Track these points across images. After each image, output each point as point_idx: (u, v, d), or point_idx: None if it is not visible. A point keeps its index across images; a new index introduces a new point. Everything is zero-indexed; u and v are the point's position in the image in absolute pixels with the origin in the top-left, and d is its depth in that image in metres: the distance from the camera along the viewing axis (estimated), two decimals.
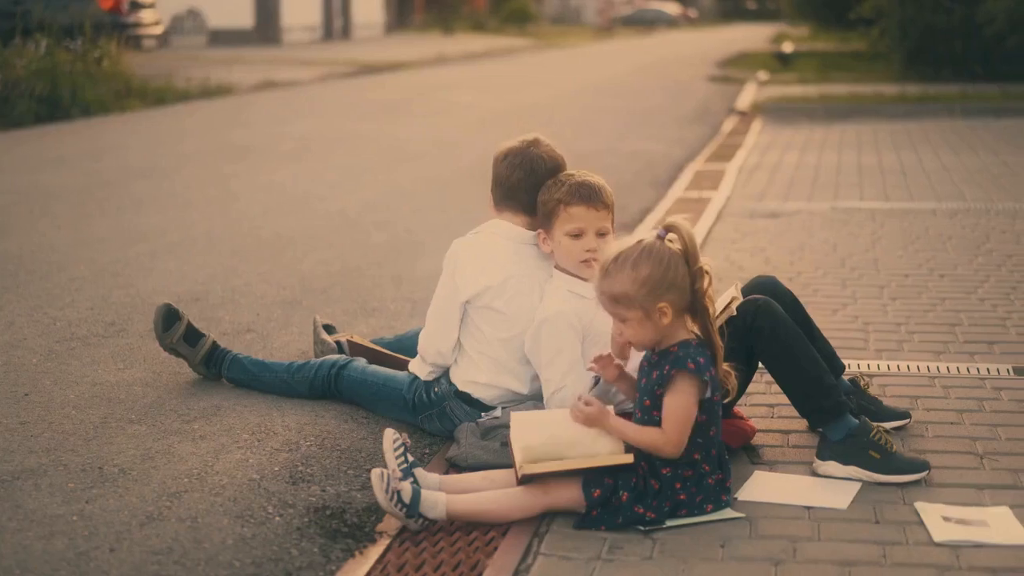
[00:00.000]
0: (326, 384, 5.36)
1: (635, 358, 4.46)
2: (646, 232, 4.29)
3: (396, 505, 4.10)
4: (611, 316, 4.27)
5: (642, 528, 4.07)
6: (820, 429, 4.59)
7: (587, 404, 4.16)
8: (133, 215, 9.98)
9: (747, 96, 22.01)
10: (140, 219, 9.80)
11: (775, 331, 4.58)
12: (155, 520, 4.11)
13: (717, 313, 4.41)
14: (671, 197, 11.00)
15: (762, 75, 27.38)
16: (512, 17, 61.55)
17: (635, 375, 4.41)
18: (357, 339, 5.74)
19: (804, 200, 10.71)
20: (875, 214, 9.88)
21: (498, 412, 4.88)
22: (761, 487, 4.43)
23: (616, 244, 4.26)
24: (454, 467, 4.68)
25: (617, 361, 4.40)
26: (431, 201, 10.98)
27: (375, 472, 4.13)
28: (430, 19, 57.40)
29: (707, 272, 4.23)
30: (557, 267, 4.89)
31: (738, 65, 33.30)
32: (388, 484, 4.10)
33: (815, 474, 4.53)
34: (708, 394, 4.18)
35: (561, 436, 4.19)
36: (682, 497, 4.14)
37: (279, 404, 5.31)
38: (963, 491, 4.35)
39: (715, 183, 11.72)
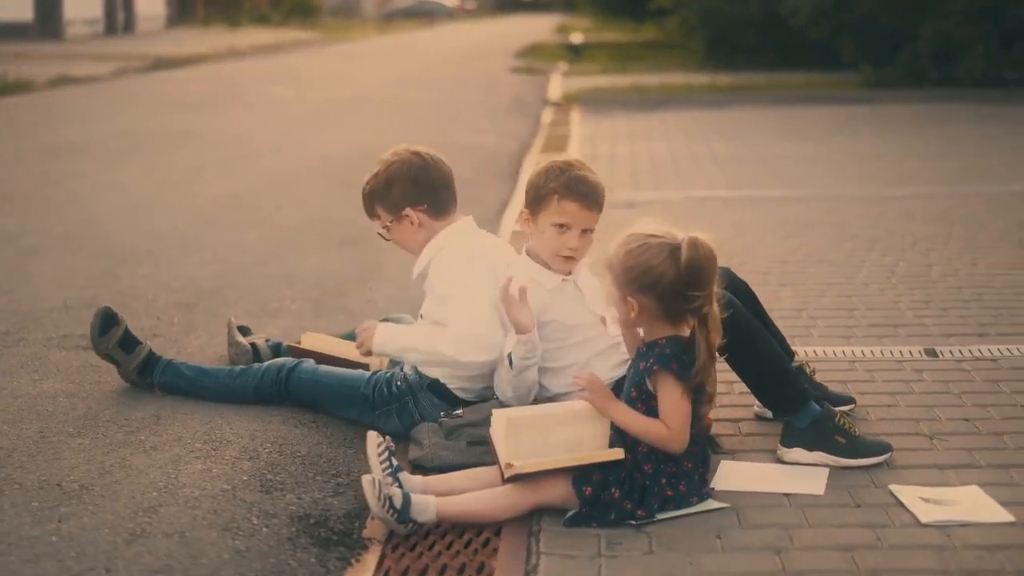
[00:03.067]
0: (275, 387, 5.22)
1: None
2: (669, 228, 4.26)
3: (388, 511, 4.01)
4: None
5: (633, 523, 4.06)
6: (784, 418, 4.63)
7: (587, 387, 4.15)
8: None
9: (556, 87, 22.22)
10: None
11: (737, 324, 4.58)
12: (141, 537, 3.94)
13: None
14: (522, 191, 10.96)
15: (564, 66, 27.66)
16: (295, 10, 60.84)
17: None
18: (305, 344, 5.58)
19: (653, 190, 10.83)
20: (728, 202, 10.05)
21: (460, 411, 4.82)
22: (733, 476, 4.46)
23: (649, 223, 4.25)
24: (418, 468, 4.61)
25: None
26: (288, 197, 10.81)
27: (366, 479, 4.04)
28: (212, 12, 56.38)
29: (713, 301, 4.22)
30: (527, 250, 4.84)
31: (534, 56, 33.60)
32: (380, 491, 4.01)
33: (781, 461, 4.58)
34: (691, 393, 4.19)
35: (550, 437, 4.17)
36: (669, 494, 4.15)
37: (220, 410, 5.15)
38: (927, 472, 4.44)
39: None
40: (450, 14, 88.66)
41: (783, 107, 18.07)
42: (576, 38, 35.36)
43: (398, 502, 4.03)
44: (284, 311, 6.81)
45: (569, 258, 4.73)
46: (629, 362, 4.47)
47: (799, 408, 4.58)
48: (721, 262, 7.71)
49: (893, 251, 8.06)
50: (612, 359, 4.78)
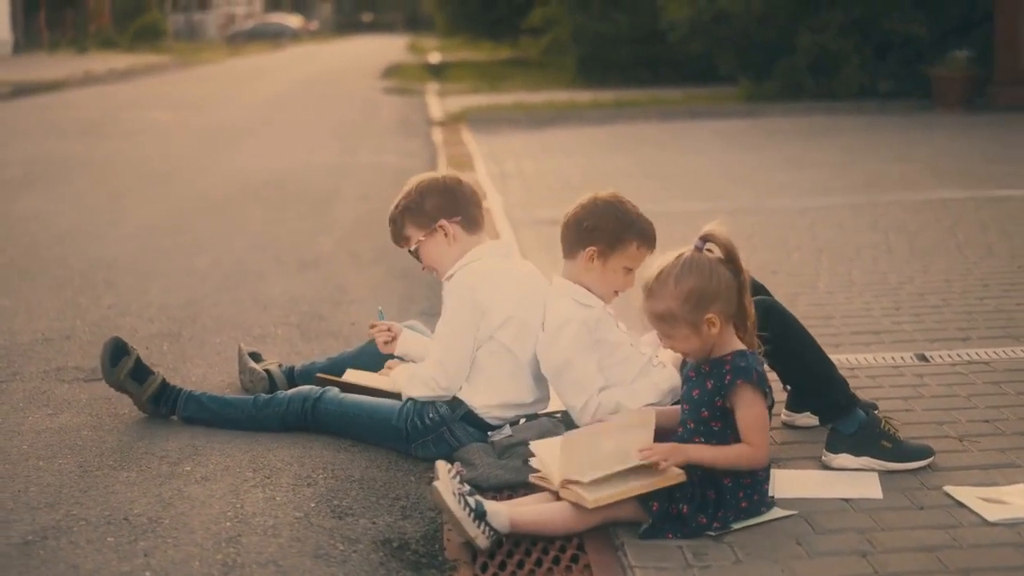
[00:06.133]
0: (301, 418, 5.15)
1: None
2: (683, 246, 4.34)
3: (465, 509, 4.01)
4: (657, 332, 4.30)
5: (712, 534, 4.11)
6: (831, 424, 4.72)
7: (659, 457, 4.16)
8: None
9: (435, 106, 22.25)
10: None
11: (787, 331, 4.72)
12: (235, 568, 3.89)
13: None
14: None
15: (436, 86, 27.71)
16: (141, 34, 59.92)
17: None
18: (349, 377, 5.52)
19: None
20: (656, 216, 9.89)
21: (508, 430, 4.83)
22: (788, 484, 4.51)
23: (656, 261, 4.30)
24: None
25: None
26: (222, 222, 10.68)
27: (436, 485, 4.04)
28: (57, 37, 55.31)
29: (747, 280, 4.34)
30: (565, 276, 4.91)
31: (400, 76, 33.62)
32: (454, 489, 4.03)
33: (827, 467, 4.67)
34: (769, 403, 4.27)
35: (600, 448, 4.20)
36: (744, 505, 4.20)
37: (256, 438, 5.09)
38: (971, 472, 4.56)
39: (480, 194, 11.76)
40: (295, 35, 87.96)
41: (670, 122, 18.32)
42: (434, 58, 35.46)
43: (472, 502, 4.04)
44: (271, 337, 6.73)
45: (619, 293, 4.96)
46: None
47: (847, 414, 4.67)
48: None
49: (841, 260, 8.23)
50: (653, 376, 4.89)
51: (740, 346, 4.28)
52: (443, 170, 5.31)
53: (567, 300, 4.84)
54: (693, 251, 4.28)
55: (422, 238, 5.13)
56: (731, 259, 4.31)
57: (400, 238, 5.23)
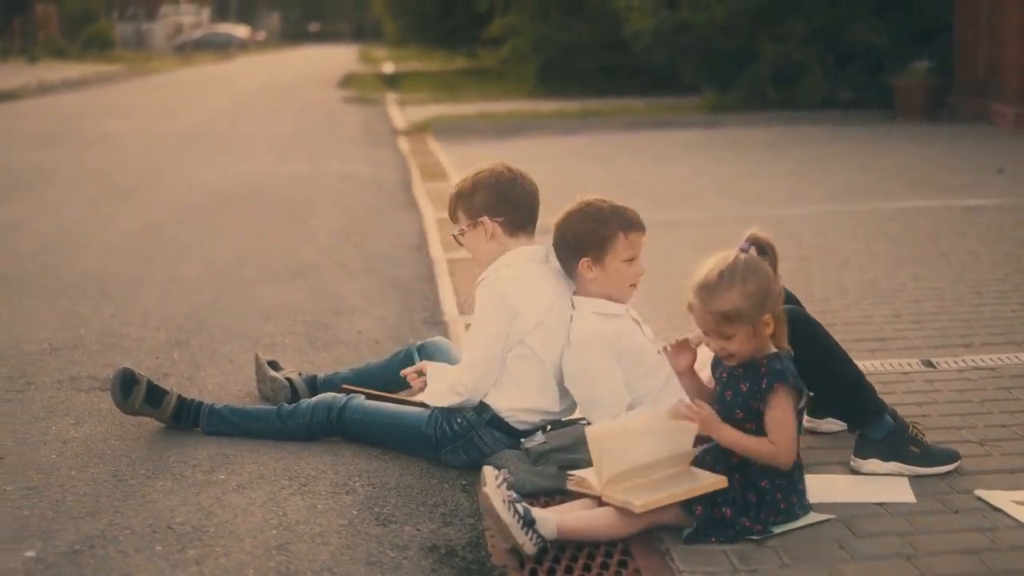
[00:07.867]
0: (326, 427, 5.17)
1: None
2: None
3: (515, 516, 4.04)
4: (713, 334, 4.33)
5: (755, 538, 4.16)
6: (860, 430, 4.78)
7: (699, 408, 4.23)
8: None
9: (397, 116, 22.24)
10: None
11: (815, 339, 4.77)
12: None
13: None
14: (430, 220, 10.86)
15: (396, 95, 27.71)
16: (92, 43, 59.59)
17: (702, 375, 4.55)
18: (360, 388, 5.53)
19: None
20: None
21: (541, 437, 4.86)
22: (820, 489, 4.54)
23: (712, 262, 4.35)
24: None
25: (693, 344, 4.50)
26: (202, 232, 10.64)
27: (486, 492, 4.07)
28: (7, 44, 54.81)
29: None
30: (577, 293, 4.95)
31: (357, 86, 33.60)
32: (504, 496, 4.05)
33: (856, 472, 4.73)
34: (801, 404, 4.32)
35: (641, 448, 4.24)
36: (783, 506, 4.26)
37: (284, 446, 5.10)
38: (997, 476, 4.62)
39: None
40: (243, 45, 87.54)
41: (636, 132, 18.40)
42: (388, 68, 35.47)
43: (521, 509, 4.07)
44: (279, 346, 6.71)
45: (635, 285, 4.95)
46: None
47: (876, 420, 4.72)
48: (668, 287, 7.96)
49: (830, 268, 8.29)
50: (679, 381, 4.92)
51: (773, 349, 4.34)
52: (506, 164, 5.24)
53: (589, 315, 4.90)
54: (740, 252, 4.34)
55: (465, 227, 5.17)
56: (774, 263, 4.38)
57: (453, 217, 5.27)
